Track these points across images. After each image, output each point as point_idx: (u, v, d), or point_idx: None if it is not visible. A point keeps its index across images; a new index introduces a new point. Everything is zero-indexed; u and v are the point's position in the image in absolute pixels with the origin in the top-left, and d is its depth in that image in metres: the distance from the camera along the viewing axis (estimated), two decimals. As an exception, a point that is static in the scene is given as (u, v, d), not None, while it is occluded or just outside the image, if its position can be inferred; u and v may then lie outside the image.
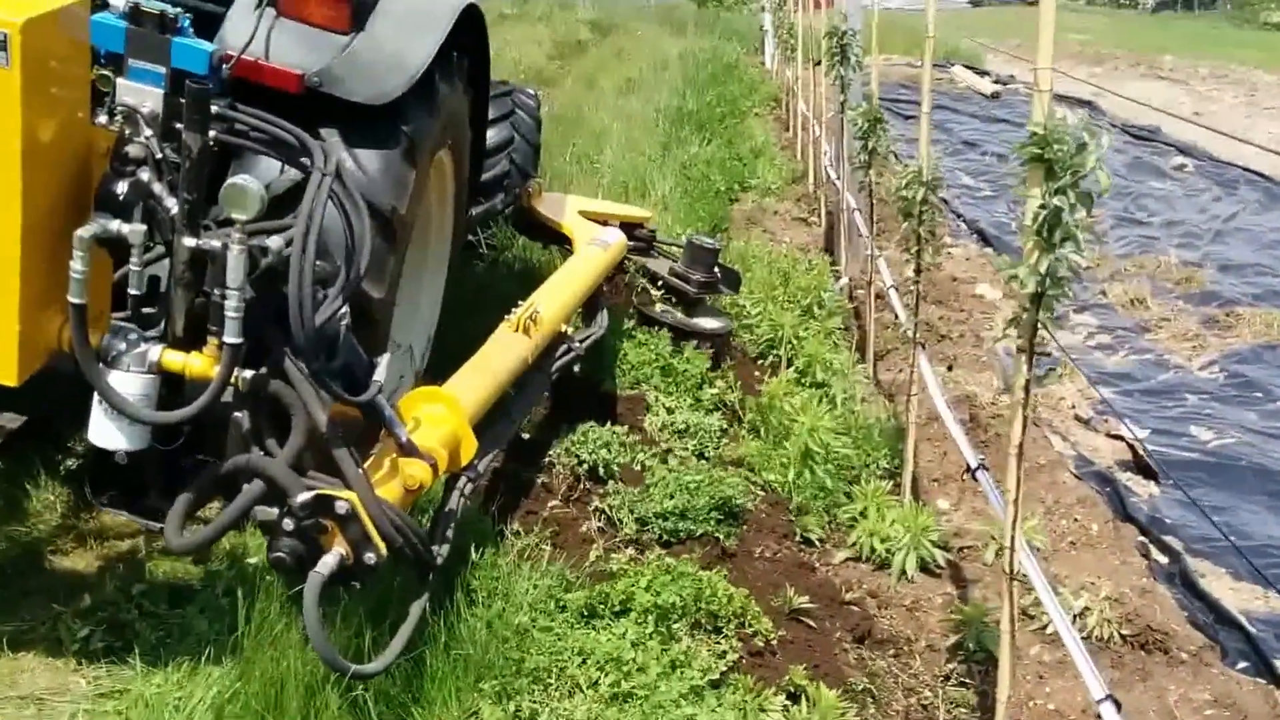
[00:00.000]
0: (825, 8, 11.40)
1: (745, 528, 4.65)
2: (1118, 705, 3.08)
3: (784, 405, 5.48)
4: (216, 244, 2.92)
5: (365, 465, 3.11)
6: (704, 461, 5.18)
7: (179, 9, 3.02)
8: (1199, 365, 7.70)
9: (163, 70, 2.94)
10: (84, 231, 2.80)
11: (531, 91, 6.92)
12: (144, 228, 2.92)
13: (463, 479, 3.62)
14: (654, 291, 6.13)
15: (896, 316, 6.63)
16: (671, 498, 4.52)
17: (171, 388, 3.04)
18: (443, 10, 4.02)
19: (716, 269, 6.22)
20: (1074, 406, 6.66)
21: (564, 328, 4.80)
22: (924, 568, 4.61)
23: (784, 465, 5.14)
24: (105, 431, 2.98)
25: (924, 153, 5.16)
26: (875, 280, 6.88)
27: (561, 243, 6.12)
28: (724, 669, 3.48)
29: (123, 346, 2.96)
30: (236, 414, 3.02)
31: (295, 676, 3.18)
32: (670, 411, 5.49)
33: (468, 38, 4.36)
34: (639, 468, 4.84)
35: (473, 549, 3.92)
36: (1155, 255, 10.13)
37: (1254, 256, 10.54)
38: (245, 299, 2.90)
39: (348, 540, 2.94)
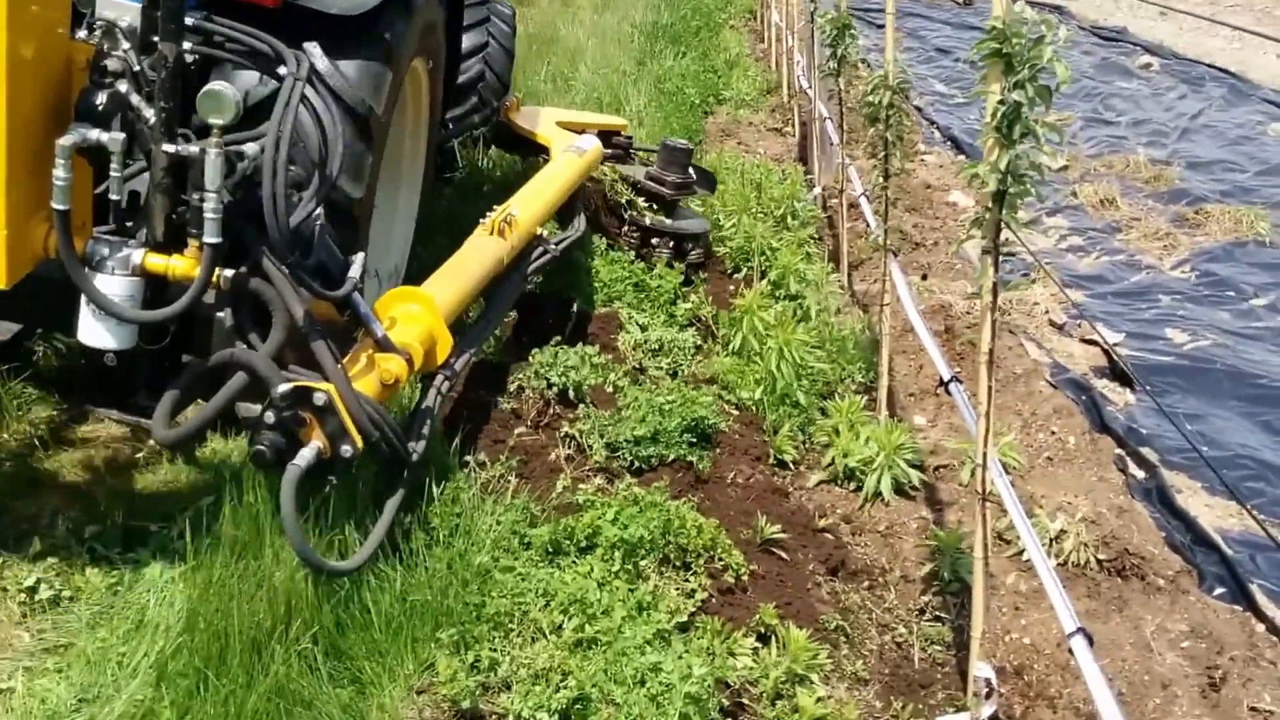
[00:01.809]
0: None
1: (718, 450, 4.28)
2: (1089, 639, 2.75)
3: (756, 320, 5.08)
4: (195, 149, 2.89)
5: (343, 361, 3.09)
6: (677, 380, 4.81)
7: None
8: (1170, 265, 7.29)
9: None
10: (65, 140, 2.79)
11: (507, 6, 6.52)
12: (123, 136, 2.87)
13: (439, 377, 3.57)
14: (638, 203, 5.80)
15: (869, 225, 6.19)
16: (643, 421, 4.14)
17: (156, 291, 3.01)
18: None
19: (691, 170, 6.01)
20: (1048, 312, 6.27)
21: (540, 230, 4.61)
22: (899, 489, 4.24)
23: (757, 382, 4.75)
24: (94, 332, 2.96)
25: (889, 57, 4.70)
26: (847, 189, 6.43)
27: (540, 153, 5.86)
28: (692, 610, 3.14)
29: (106, 251, 2.94)
30: (219, 313, 3.02)
31: (240, 630, 2.85)
32: (644, 329, 5.10)
33: None
34: (611, 389, 4.46)
35: (433, 484, 3.55)
36: (1124, 155, 9.63)
37: (1221, 153, 10.05)
38: (223, 201, 2.88)
39: (325, 433, 2.92)
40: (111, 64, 2.89)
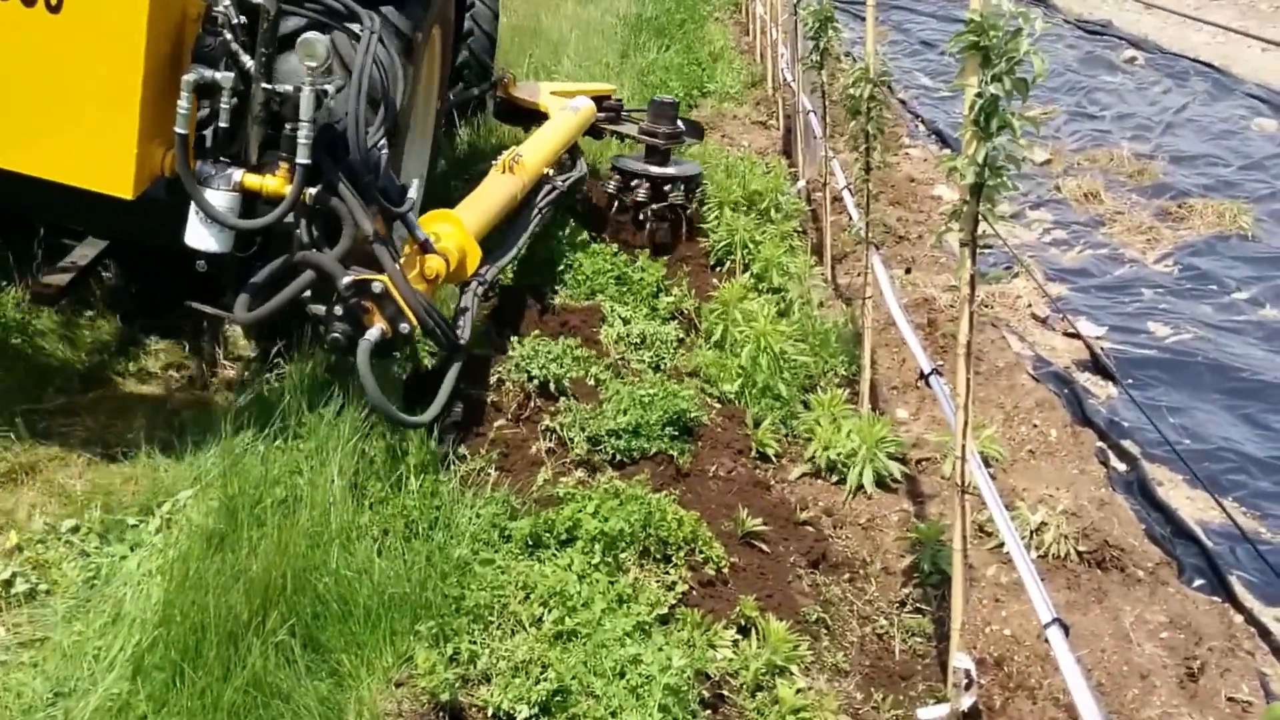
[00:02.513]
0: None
1: (700, 443, 4.29)
2: (1065, 629, 2.78)
3: (738, 313, 5.09)
4: (289, 87, 3.45)
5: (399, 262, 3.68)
6: (660, 373, 4.82)
7: None
8: (1154, 259, 7.32)
9: None
10: (189, 76, 3.35)
11: None
12: (233, 75, 3.43)
13: (473, 283, 4.26)
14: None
15: (852, 219, 6.20)
16: (624, 413, 4.15)
17: (247, 207, 3.54)
18: None
19: (679, 122, 6.53)
20: (1030, 305, 6.29)
21: (547, 170, 5.26)
22: (880, 482, 4.26)
23: (739, 375, 4.76)
24: (200, 237, 3.50)
25: (870, 50, 4.71)
26: (830, 182, 6.45)
27: (540, 120, 6.32)
28: (672, 602, 3.15)
29: (212, 170, 3.49)
30: (298, 224, 3.55)
31: (217, 623, 2.84)
32: (626, 322, 5.10)
33: None
34: (593, 382, 4.47)
35: (413, 476, 3.56)
36: (1108, 149, 9.67)
37: (1204, 147, 10.10)
38: (313, 131, 3.43)
39: (385, 317, 3.56)
40: (218, 16, 3.43)
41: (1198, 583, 4.00)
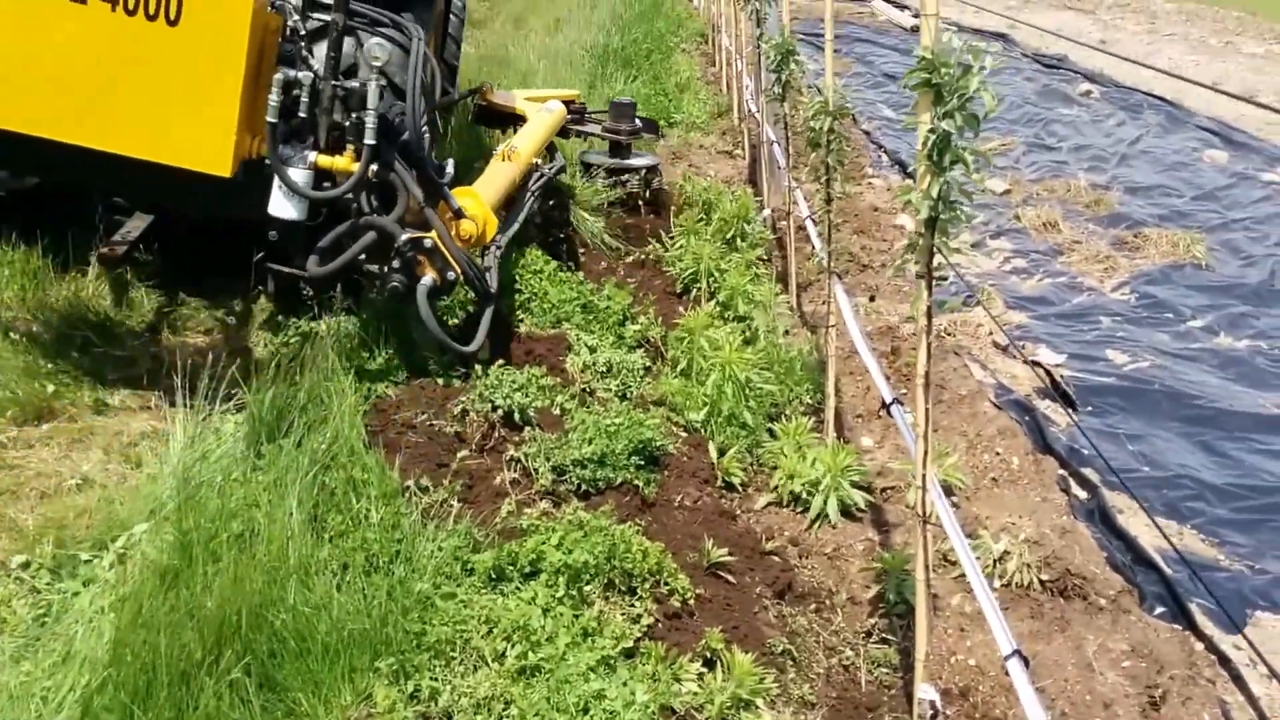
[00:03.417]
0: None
1: (666, 473, 4.23)
2: (1025, 661, 2.74)
3: (704, 341, 5.04)
4: (355, 84, 4.13)
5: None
6: (626, 402, 4.76)
7: None
8: (1111, 287, 7.37)
9: None
10: (278, 75, 3.97)
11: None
12: (311, 75, 4.08)
13: (492, 247, 4.82)
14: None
15: (816, 248, 6.19)
16: (590, 443, 4.08)
17: (317, 183, 4.14)
18: None
19: (638, 120, 7.43)
20: (991, 333, 6.29)
21: (535, 160, 5.96)
22: (845, 511, 4.21)
23: (705, 404, 4.71)
24: (282, 206, 4.11)
25: (829, 81, 4.70)
26: (794, 211, 6.44)
27: (516, 123, 6.91)
28: (637, 635, 3.07)
29: (291, 152, 4.11)
30: (360, 195, 4.20)
31: (169, 662, 2.74)
32: (592, 350, 5.04)
33: None
34: (558, 411, 4.40)
35: (374, 509, 3.47)
36: (1065, 179, 9.75)
37: (1158, 178, 10.22)
38: (376, 118, 4.07)
39: (435, 268, 4.30)
40: (292, 29, 4.12)
41: (1159, 610, 3.98)
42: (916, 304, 3.03)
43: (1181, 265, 7.70)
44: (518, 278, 5.39)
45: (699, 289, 6.11)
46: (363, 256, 4.29)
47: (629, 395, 4.85)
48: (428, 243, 4.28)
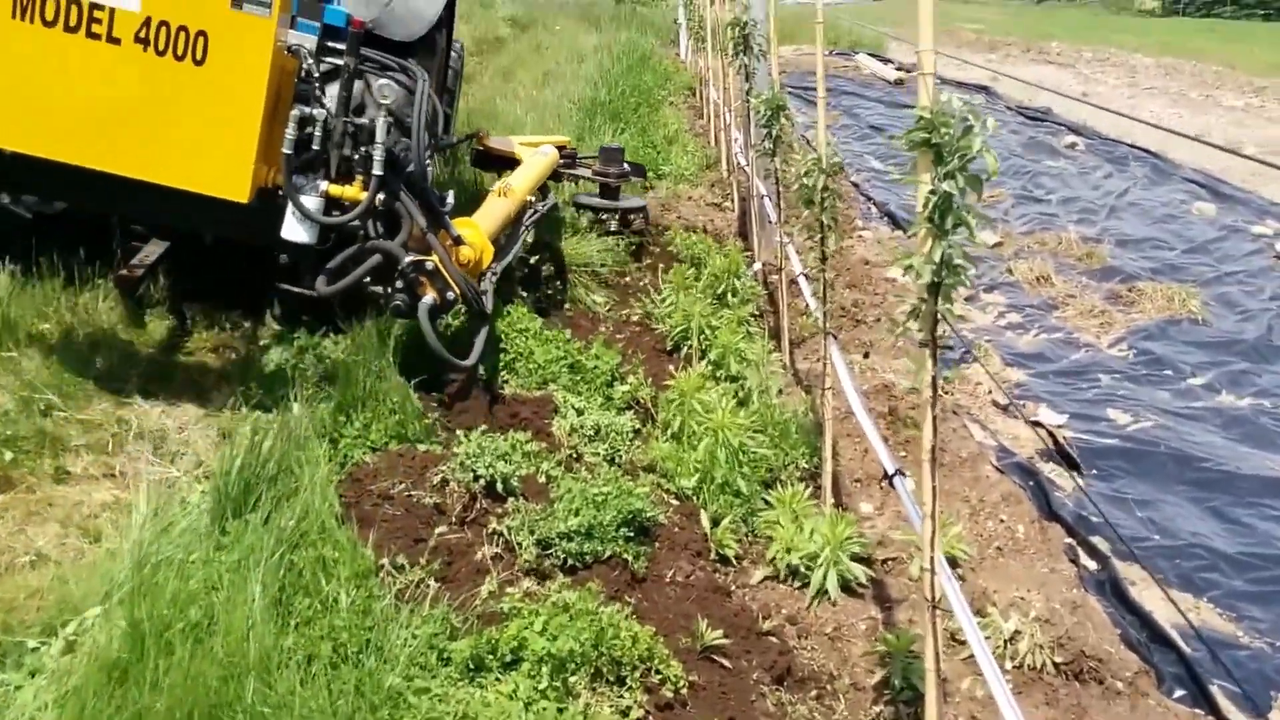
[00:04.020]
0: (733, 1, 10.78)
1: (657, 545, 3.98)
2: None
3: (695, 403, 4.81)
4: (365, 120, 4.45)
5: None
6: (615, 467, 4.52)
7: None
8: (1108, 343, 7.18)
9: (317, 24, 4.40)
10: (294, 112, 4.26)
11: (458, 44, 8.04)
12: (324, 112, 4.35)
13: (488, 273, 5.02)
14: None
15: (809, 305, 5.99)
16: (577, 514, 3.84)
17: (327, 210, 4.42)
18: None
19: (626, 164, 7.73)
20: (990, 391, 6.08)
21: (529, 198, 6.22)
22: (846, 586, 3.96)
23: (696, 469, 4.48)
24: (294, 230, 4.37)
25: (821, 139, 4.51)
26: (786, 267, 6.24)
27: (511, 165, 7.06)
28: (626, 734, 2.81)
29: (304, 181, 4.37)
30: (365, 221, 4.48)
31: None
32: (580, 413, 4.81)
33: (450, 1, 5.98)
34: (544, 479, 4.15)
35: (344, 592, 3.21)
36: (1056, 232, 9.61)
37: (1148, 231, 10.10)
38: (384, 151, 4.33)
39: (435, 289, 4.55)
40: (306, 70, 4.36)
41: (1178, 693, 3.73)
42: (920, 375, 2.81)
43: (1178, 320, 7.52)
44: (503, 336, 5.17)
45: (690, 347, 5.89)
46: (368, 278, 4.57)
47: (618, 460, 4.62)
48: (429, 265, 4.54)
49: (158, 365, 5.15)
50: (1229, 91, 20.32)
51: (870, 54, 22.46)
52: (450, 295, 4.57)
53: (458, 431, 4.31)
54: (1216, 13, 54.09)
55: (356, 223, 4.44)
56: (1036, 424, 5.74)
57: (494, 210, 5.55)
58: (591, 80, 13.27)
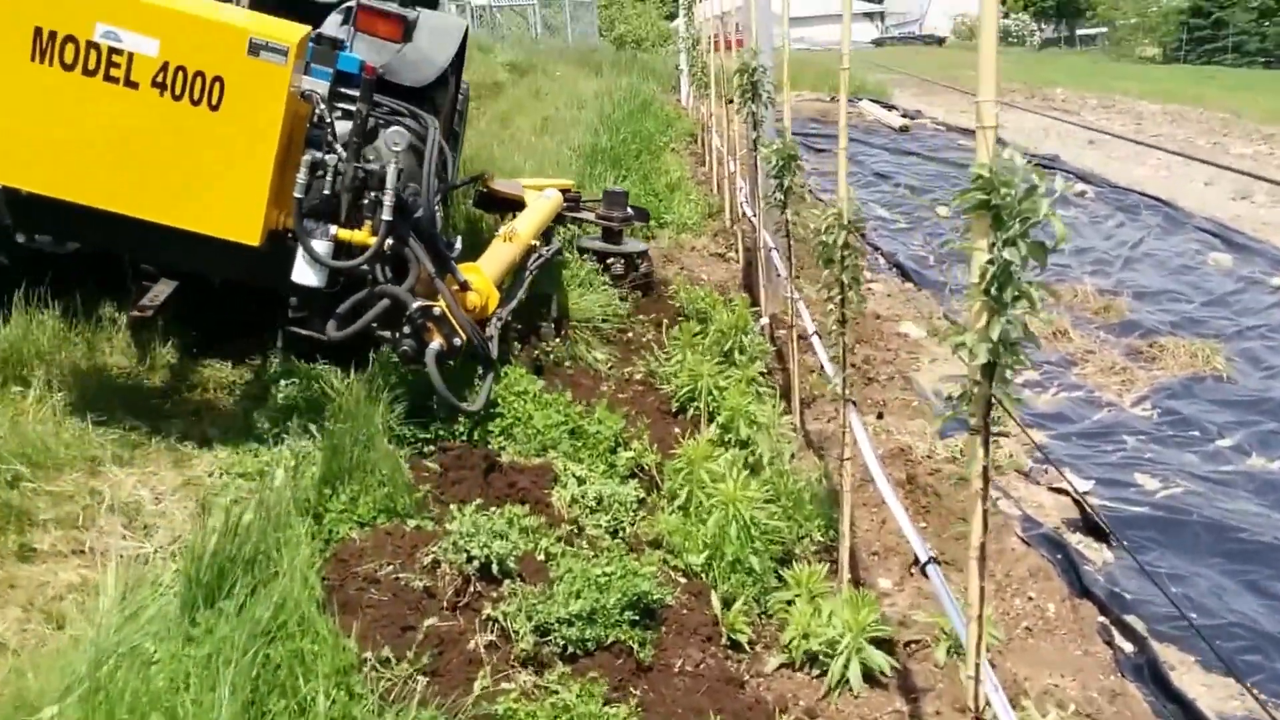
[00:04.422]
0: (736, 49, 10.69)
1: (664, 629, 3.73)
2: None
3: (703, 473, 4.57)
4: (375, 166, 4.44)
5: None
6: (618, 540, 4.28)
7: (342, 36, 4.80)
8: (1131, 402, 6.94)
9: (330, 71, 4.41)
10: (306, 157, 4.28)
11: (465, 86, 8.11)
12: (336, 157, 4.36)
13: (493, 318, 5.10)
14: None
15: (823, 364, 5.76)
16: (578, 597, 3.59)
17: (336, 255, 4.43)
18: (456, 28, 5.93)
19: (629, 208, 7.78)
20: (1012, 455, 5.84)
21: (534, 242, 6.25)
22: (868, 675, 3.69)
23: (706, 545, 4.23)
24: (304, 274, 4.38)
25: (842, 194, 4.30)
26: (796, 323, 6.03)
27: (515, 208, 7.14)
28: None
29: (314, 225, 4.38)
30: (375, 266, 4.50)
31: None
32: (581, 482, 4.57)
33: (460, 48, 5.96)
34: (543, 557, 3.92)
35: (322, 694, 2.95)
36: (1071, 284, 9.41)
37: (1165, 282, 9.91)
38: (394, 197, 4.36)
39: (442, 334, 4.58)
40: (319, 116, 4.37)
41: (1232, 796, 3.46)
42: (971, 464, 2.59)
43: (1202, 378, 7.29)
44: (500, 400, 4.94)
45: (696, 408, 5.67)
46: (376, 323, 4.58)
47: (621, 532, 4.38)
48: (436, 311, 4.59)
49: (139, 425, 4.93)
50: (1237, 139, 20.27)
51: (874, 100, 22.48)
52: (457, 341, 4.60)
53: (451, 506, 4.07)
54: (1217, 60, 54.57)
55: (365, 267, 4.45)
56: (1060, 490, 5.49)
57: (499, 255, 5.59)
58: (591, 126, 13.16)
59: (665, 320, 6.97)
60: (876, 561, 4.72)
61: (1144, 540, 5.07)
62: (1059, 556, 4.80)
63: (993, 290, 2.47)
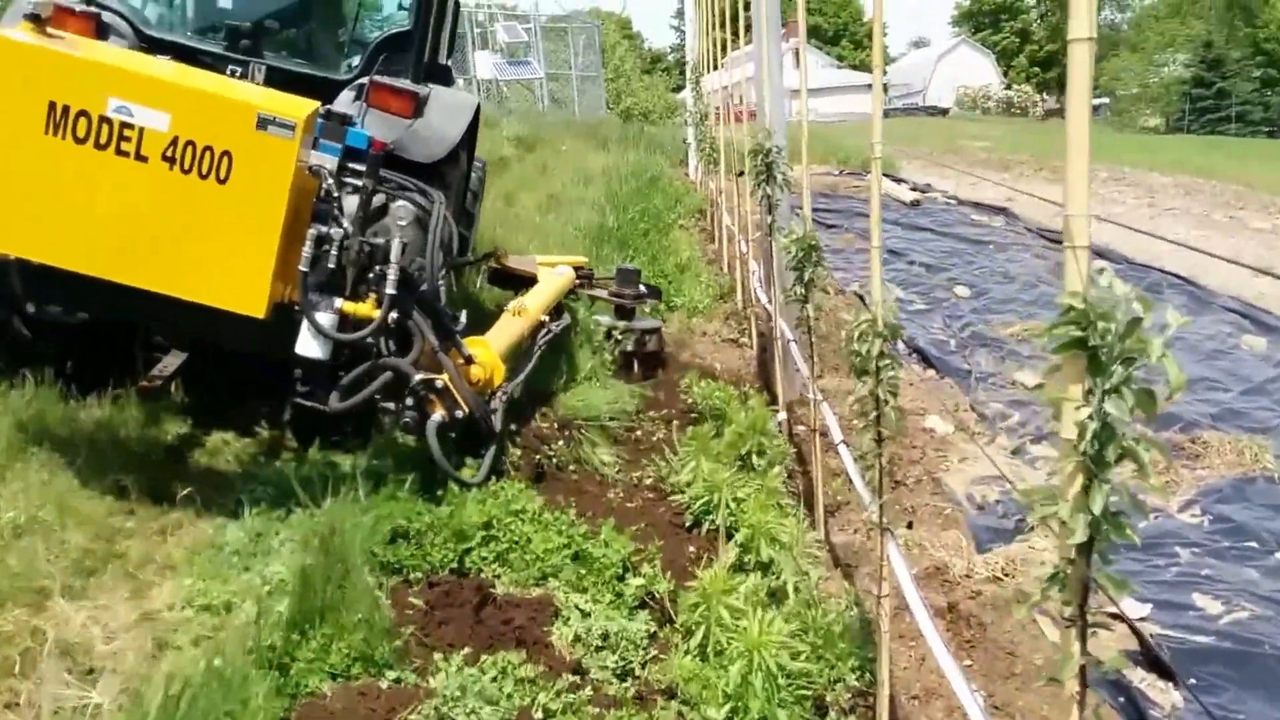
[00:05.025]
0: (747, 120, 10.41)
1: (681, 810, 3.20)
2: None
3: (722, 609, 4.07)
4: (380, 240, 4.52)
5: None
6: (626, 685, 3.77)
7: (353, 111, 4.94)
8: (1179, 506, 6.44)
9: (339, 146, 4.46)
10: (312, 231, 4.37)
11: (480, 163, 8.10)
12: (342, 231, 4.42)
13: (499, 392, 5.05)
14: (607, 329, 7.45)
15: (847, 473, 5.27)
16: (581, 772, 3.08)
17: (340, 327, 4.48)
18: (467, 105, 5.94)
19: (642, 286, 7.85)
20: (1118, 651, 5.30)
21: (543, 318, 6.31)
22: None
23: (727, 699, 3.71)
24: (309, 346, 4.44)
25: (877, 297, 3.84)
26: (818, 424, 5.56)
27: (528, 285, 7.10)
28: None
29: (320, 298, 4.43)
30: (379, 338, 4.55)
31: None
32: (585, 615, 4.10)
33: (473, 123, 5.95)
34: (540, 715, 3.41)
35: None
36: (1102, 372, 8.91)
37: (1200, 369, 9.44)
38: (398, 271, 4.45)
39: (445, 406, 4.63)
40: (326, 190, 4.41)
41: None
42: (1067, 663, 2.10)
43: (1252, 478, 6.79)
44: (495, 521, 4.46)
45: (713, 522, 5.17)
46: (380, 394, 4.60)
47: (630, 674, 3.87)
48: (439, 384, 4.61)
49: (95, 549, 4.46)
50: (1253, 212, 19.95)
51: (884, 173, 22.27)
52: (459, 413, 4.62)
53: (436, 655, 3.57)
54: (1220, 130, 54.76)
55: (370, 340, 4.48)
56: (1115, 616, 4.95)
57: (507, 330, 5.67)
58: (598, 205, 12.83)
59: (676, 419, 6.51)
60: (917, 708, 4.19)
61: (1213, 678, 4.53)
62: (1121, 700, 4.27)
63: (1092, 450, 2.02)
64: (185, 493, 5.12)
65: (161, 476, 5.03)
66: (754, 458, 5.91)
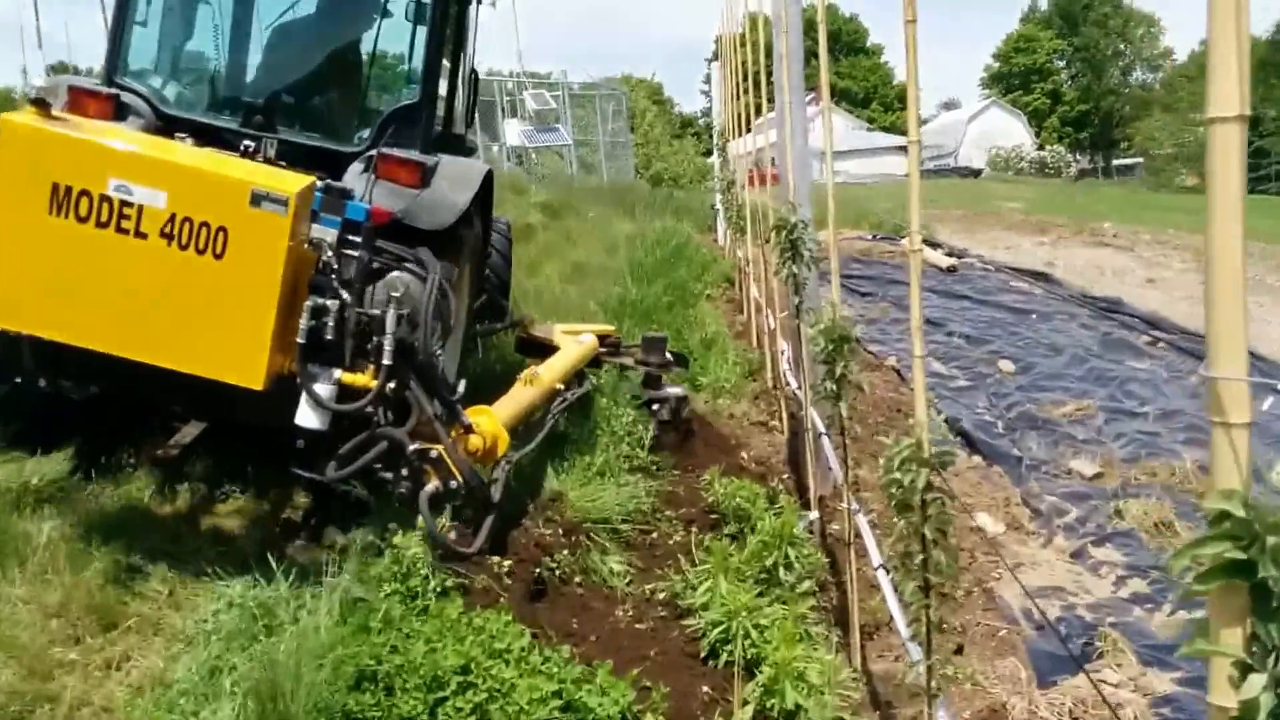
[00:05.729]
0: (772, 183, 9.87)
1: None
2: None
3: (742, 782, 3.37)
4: (377, 311, 4.64)
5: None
6: None
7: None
8: (1266, 624, 5.62)
9: (338, 219, 4.64)
10: (309, 303, 4.46)
11: (505, 223, 8.30)
12: (338, 302, 4.53)
13: (502, 462, 5.09)
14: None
15: (881, 589, 4.57)
16: None
17: (339, 398, 4.57)
18: (476, 173, 5.86)
19: (668, 354, 7.74)
20: (1138, 717, 4.54)
21: (558, 386, 6.24)
22: None
23: None
24: (307, 417, 4.50)
25: (921, 418, 3.20)
26: (856, 543, 4.87)
27: (553, 353, 7.03)
28: None
29: (318, 369, 4.53)
30: (377, 408, 4.61)
31: None
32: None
33: (484, 190, 5.91)
34: None
35: None
36: (1165, 459, 8.12)
37: (1272, 453, 8.60)
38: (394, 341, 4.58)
39: (439, 477, 4.67)
40: (325, 263, 4.52)
41: None
42: None
43: (1347, 588, 5.96)
44: (473, 665, 3.79)
45: (730, 652, 4.47)
46: (378, 464, 4.59)
47: None
48: (433, 453, 4.62)
49: (24, 692, 3.87)
50: (1306, 276, 19.03)
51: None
52: (453, 483, 4.61)
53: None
54: (1260, 189, 53.65)
55: (368, 409, 4.49)
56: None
57: (516, 398, 5.62)
58: (621, 276, 12.27)
59: (696, 522, 5.84)
60: None
61: None
62: None
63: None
64: (135, 619, 4.56)
65: (118, 592, 4.66)
66: (780, 571, 5.22)
